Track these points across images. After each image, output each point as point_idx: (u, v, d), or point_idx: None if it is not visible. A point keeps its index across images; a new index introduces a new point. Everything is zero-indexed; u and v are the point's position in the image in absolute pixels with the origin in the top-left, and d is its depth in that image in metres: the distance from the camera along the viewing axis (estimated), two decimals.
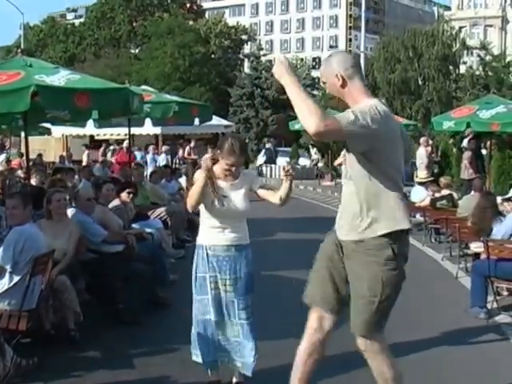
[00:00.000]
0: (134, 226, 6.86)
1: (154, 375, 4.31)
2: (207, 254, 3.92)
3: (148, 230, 6.65)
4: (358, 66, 3.32)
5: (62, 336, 4.81)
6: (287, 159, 22.17)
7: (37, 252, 4.49)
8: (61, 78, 6.67)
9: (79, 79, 6.90)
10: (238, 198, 3.93)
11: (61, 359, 4.54)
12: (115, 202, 6.71)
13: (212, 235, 3.93)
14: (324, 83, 3.45)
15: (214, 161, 3.89)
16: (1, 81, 6.44)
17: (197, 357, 4.03)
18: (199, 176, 3.80)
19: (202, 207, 3.94)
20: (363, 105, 3.13)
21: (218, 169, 3.90)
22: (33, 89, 5.95)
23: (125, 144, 15.45)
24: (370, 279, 3.18)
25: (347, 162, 3.27)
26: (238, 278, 3.92)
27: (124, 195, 6.88)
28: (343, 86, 3.22)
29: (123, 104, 7.02)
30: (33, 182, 8.19)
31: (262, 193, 3.99)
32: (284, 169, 3.84)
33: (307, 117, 2.93)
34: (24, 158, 16.76)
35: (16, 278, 4.42)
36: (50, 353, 4.44)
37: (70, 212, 5.71)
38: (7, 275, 4.43)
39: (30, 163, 9.47)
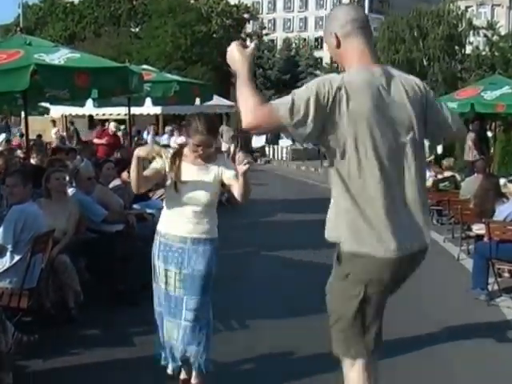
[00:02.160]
0: (134, 206, 6.83)
1: (152, 353, 4.30)
2: (160, 242, 3.58)
3: (149, 211, 6.62)
4: (360, 21, 2.66)
5: (62, 315, 4.83)
6: (290, 141, 22.06)
7: (37, 231, 4.49)
8: (60, 56, 6.64)
9: (79, 58, 6.87)
10: (202, 184, 3.50)
11: (60, 337, 4.56)
12: (116, 182, 6.68)
13: (168, 222, 3.58)
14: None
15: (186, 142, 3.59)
16: (0, 60, 6.41)
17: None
18: (136, 159, 3.42)
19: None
20: (325, 76, 2.59)
21: (187, 150, 3.56)
22: (32, 68, 5.92)
23: (111, 125, 14.22)
24: (327, 291, 2.74)
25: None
26: (189, 274, 3.50)
27: (125, 175, 6.83)
28: (338, 46, 2.65)
29: (122, 83, 7.00)
30: (33, 162, 8.15)
31: (228, 184, 3.55)
32: (239, 159, 3.28)
33: (242, 112, 2.47)
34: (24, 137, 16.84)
35: (17, 257, 4.43)
36: (49, 331, 4.45)
37: (70, 192, 5.69)
38: (8, 254, 4.43)
39: (31, 143, 9.44)
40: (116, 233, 5.61)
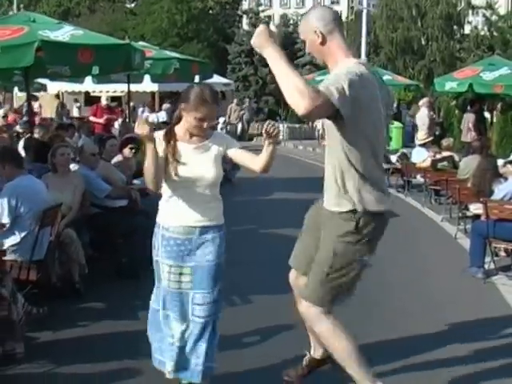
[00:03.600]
0: (135, 181, 6.89)
1: None
2: (162, 236, 3.19)
3: None
4: (339, 21, 3.04)
5: (68, 288, 4.93)
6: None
7: (39, 202, 4.56)
8: (64, 33, 6.67)
9: (82, 35, 6.89)
10: (204, 164, 3.16)
11: (67, 310, 4.67)
12: (117, 158, 6.73)
13: (170, 213, 3.19)
14: (303, 42, 3.11)
15: (177, 120, 3.20)
16: (4, 35, 6.42)
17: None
18: (147, 149, 3.03)
19: None
20: (341, 67, 2.90)
21: (180, 129, 3.18)
22: (37, 44, 5.93)
23: (103, 100, 14.19)
24: (325, 249, 3.07)
25: (326, 132, 3.08)
26: (197, 266, 3.17)
27: (126, 151, 6.87)
28: (323, 43, 2.97)
29: (125, 60, 7.03)
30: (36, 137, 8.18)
31: (238, 157, 3.24)
32: (266, 129, 2.98)
33: (295, 96, 2.64)
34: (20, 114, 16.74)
35: (22, 232, 4.50)
36: (56, 304, 4.54)
37: (74, 167, 5.76)
38: (16, 229, 4.49)
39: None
40: (119, 208, 5.69)
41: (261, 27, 2.86)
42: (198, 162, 3.15)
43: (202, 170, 3.15)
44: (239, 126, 21.72)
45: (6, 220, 4.47)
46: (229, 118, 21.26)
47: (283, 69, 2.73)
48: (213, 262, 3.18)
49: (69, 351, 4.04)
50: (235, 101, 22.32)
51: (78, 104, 21.34)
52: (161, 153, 3.10)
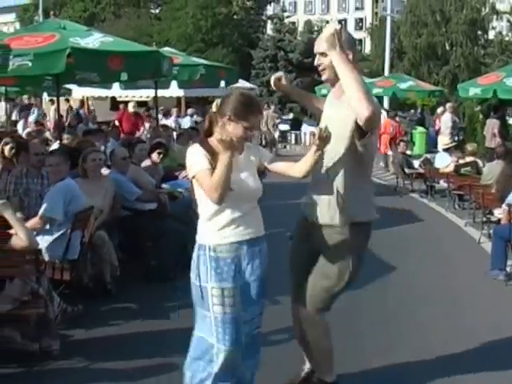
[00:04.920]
0: (163, 185, 7.05)
1: (187, 325, 4.47)
2: (209, 259, 2.95)
3: (178, 190, 6.84)
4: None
5: (99, 289, 5.07)
6: (312, 128, 22.05)
7: (80, 204, 4.76)
8: (94, 40, 6.81)
9: (112, 42, 7.04)
10: (249, 176, 3.01)
11: (99, 310, 4.83)
12: (146, 163, 6.89)
13: (217, 232, 2.95)
14: (322, 54, 3.12)
15: (209, 131, 3.04)
16: (36, 43, 6.58)
17: None
18: (223, 157, 2.81)
19: (199, 196, 2.99)
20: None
21: (214, 141, 2.99)
22: (68, 51, 6.09)
23: (130, 105, 14.15)
24: (336, 261, 3.23)
25: (335, 142, 3.07)
26: (247, 284, 3.02)
27: (154, 156, 7.04)
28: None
29: (154, 67, 7.17)
30: (65, 142, 8.37)
31: (277, 167, 3.14)
32: (315, 135, 2.94)
33: (363, 100, 2.80)
34: (48, 118, 17.12)
35: (59, 232, 4.68)
36: (88, 304, 4.69)
37: (105, 171, 5.93)
38: (53, 229, 4.68)
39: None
40: (149, 211, 5.85)
41: (334, 26, 2.93)
42: (247, 173, 3.01)
43: (249, 183, 3.01)
44: (276, 135, 20.27)
45: (59, 216, 4.65)
46: (266, 126, 19.35)
47: (353, 73, 2.88)
48: (261, 275, 3.06)
49: (101, 349, 4.20)
50: (272, 107, 21.36)
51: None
52: (206, 166, 2.88)
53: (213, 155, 2.90)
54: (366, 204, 3.23)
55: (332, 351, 3.45)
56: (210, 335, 3.00)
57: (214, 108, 2.99)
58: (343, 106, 3.08)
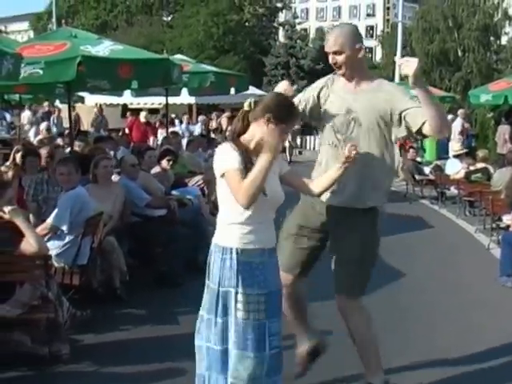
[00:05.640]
0: (173, 192, 7.10)
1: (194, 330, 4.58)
2: (237, 262, 2.80)
3: (188, 197, 6.89)
4: None
5: (109, 294, 5.12)
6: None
7: (89, 211, 4.82)
8: (105, 48, 6.89)
9: (122, 50, 7.12)
10: (275, 183, 2.90)
11: (109, 315, 4.87)
12: (156, 169, 6.95)
13: (243, 235, 2.81)
14: (337, 53, 3.30)
15: (239, 134, 2.88)
16: (48, 51, 6.67)
17: None
18: (262, 157, 2.69)
19: (225, 196, 2.83)
20: (387, 82, 3.47)
21: (251, 141, 2.83)
22: (79, 59, 6.18)
23: (141, 115, 14.27)
24: (360, 244, 3.34)
25: (365, 134, 3.33)
26: (271, 293, 2.87)
27: (164, 162, 7.09)
28: (362, 56, 3.35)
29: (164, 75, 7.23)
30: (76, 149, 8.45)
31: (295, 180, 3.05)
32: (348, 153, 2.89)
33: (445, 121, 3.24)
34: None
35: (68, 238, 4.74)
36: (98, 309, 4.73)
37: (115, 178, 5.99)
38: (64, 235, 4.73)
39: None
40: (158, 217, 5.90)
41: (417, 61, 3.06)
42: (275, 182, 2.90)
43: (278, 189, 2.90)
44: (298, 141, 20.27)
45: (64, 227, 4.71)
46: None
47: (434, 99, 3.18)
48: (280, 285, 2.98)
49: (110, 353, 4.23)
50: None
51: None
52: (238, 165, 2.74)
53: (245, 155, 2.77)
54: (384, 191, 3.46)
55: (376, 343, 3.45)
56: (217, 342, 2.85)
57: (246, 107, 2.99)
58: (367, 98, 3.32)
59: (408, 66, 3.03)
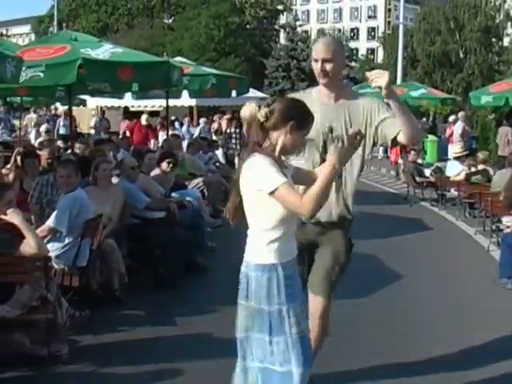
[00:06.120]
0: (173, 194, 7.14)
1: (194, 331, 4.62)
2: (283, 277, 2.71)
3: (187, 199, 6.92)
4: None
5: (108, 295, 5.14)
6: None
7: (88, 213, 4.84)
8: (105, 51, 6.93)
9: (122, 53, 7.17)
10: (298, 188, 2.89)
11: (107, 316, 4.89)
12: (155, 172, 6.98)
13: (283, 249, 2.74)
14: (327, 61, 3.28)
15: (263, 138, 2.72)
16: (48, 54, 6.72)
17: None
18: (327, 169, 2.61)
19: (269, 212, 2.69)
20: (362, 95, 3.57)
21: (275, 150, 2.71)
22: (79, 62, 6.22)
23: (143, 118, 14.13)
24: (340, 251, 3.49)
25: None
26: (304, 301, 2.94)
27: (164, 165, 7.13)
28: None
29: (164, 77, 7.27)
30: (77, 151, 8.48)
31: (301, 174, 2.97)
32: (352, 133, 2.72)
33: (416, 128, 3.33)
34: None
35: (68, 240, 4.76)
36: (96, 310, 4.75)
37: (115, 180, 6.02)
38: (63, 237, 4.76)
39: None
40: (158, 219, 5.93)
41: (387, 74, 3.12)
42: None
43: None
44: None
45: (63, 229, 4.74)
46: None
47: (408, 111, 3.26)
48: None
49: (109, 354, 4.25)
50: None
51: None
52: (284, 178, 2.64)
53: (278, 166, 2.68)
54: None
55: None
56: (282, 363, 2.73)
57: (261, 118, 2.81)
58: (347, 113, 3.36)
59: (380, 78, 3.08)
